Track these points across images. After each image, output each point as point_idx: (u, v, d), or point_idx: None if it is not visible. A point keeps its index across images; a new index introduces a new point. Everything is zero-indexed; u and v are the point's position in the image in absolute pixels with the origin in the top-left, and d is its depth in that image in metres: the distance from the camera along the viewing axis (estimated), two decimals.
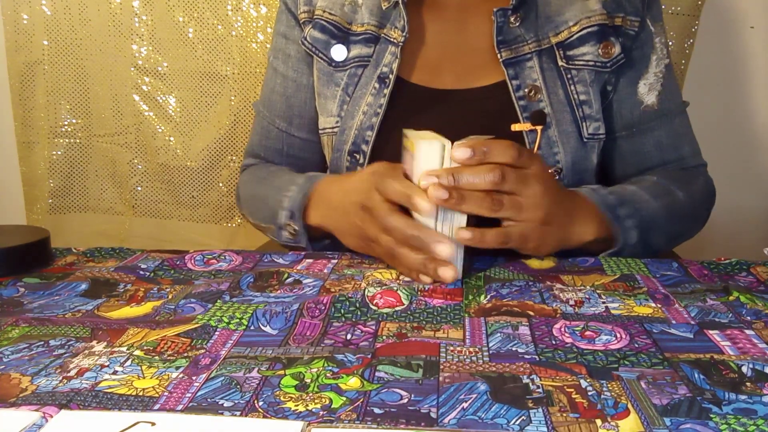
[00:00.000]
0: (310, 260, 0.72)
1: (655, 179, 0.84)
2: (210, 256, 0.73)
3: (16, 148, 1.41)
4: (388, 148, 0.81)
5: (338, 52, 0.86)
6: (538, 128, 0.79)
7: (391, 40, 0.84)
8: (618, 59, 0.83)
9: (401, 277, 0.66)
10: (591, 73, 0.83)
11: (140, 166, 1.41)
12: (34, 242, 0.70)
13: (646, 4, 0.85)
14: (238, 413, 0.41)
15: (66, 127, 1.40)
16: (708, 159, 0.92)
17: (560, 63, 0.83)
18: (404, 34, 0.83)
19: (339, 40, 0.86)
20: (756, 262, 0.69)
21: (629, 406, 0.42)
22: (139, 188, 1.42)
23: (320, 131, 0.89)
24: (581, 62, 0.82)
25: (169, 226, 1.43)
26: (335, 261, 0.72)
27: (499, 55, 0.82)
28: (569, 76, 0.82)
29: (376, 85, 0.84)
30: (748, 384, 0.44)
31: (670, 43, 1.20)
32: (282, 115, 0.94)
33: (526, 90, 0.81)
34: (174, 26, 1.32)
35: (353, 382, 0.45)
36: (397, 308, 0.58)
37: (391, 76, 0.83)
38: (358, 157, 0.84)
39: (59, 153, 1.41)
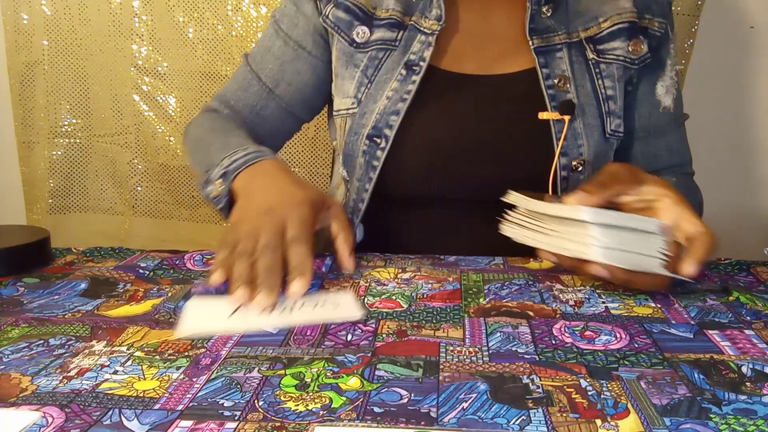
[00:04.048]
0: None
1: (675, 180, 0.84)
2: (209, 257, 0.73)
3: (16, 148, 1.41)
4: (411, 133, 0.81)
5: (361, 33, 0.86)
6: (566, 118, 0.79)
7: (422, 29, 0.84)
8: (645, 57, 0.84)
9: (399, 276, 0.66)
10: (620, 69, 0.84)
11: (140, 166, 1.41)
12: (34, 242, 0.70)
13: (670, 9, 0.87)
14: (239, 413, 0.41)
15: (66, 127, 1.40)
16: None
17: (590, 56, 0.83)
18: (441, 23, 0.83)
19: (362, 22, 0.87)
20: (756, 262, 0.69)
21: (629, 406, 0.42)
22: (139, 188, 1.42)
23: (334, 113, 0.89)
24: (612, 57, 0.83)
25: (169, 226, 1.43)
26: (333, 259, 0.72)
27: (530, 42, 0.82)
28: (598, 70, 0.84)
29: (403, 72, 0.83)
30: (747, 384, 0.44)
31: None
32: (271, 76, 0.92)
33: (556, 80, 0.82)
34: (174, 26, 1.32)
35: (353, 383, 0.45)
36: (396, 309, 0.58)
37: (422, 63, 0.83)
38: (378, 141, 0.83)
39: (59, 153, 1.41)
